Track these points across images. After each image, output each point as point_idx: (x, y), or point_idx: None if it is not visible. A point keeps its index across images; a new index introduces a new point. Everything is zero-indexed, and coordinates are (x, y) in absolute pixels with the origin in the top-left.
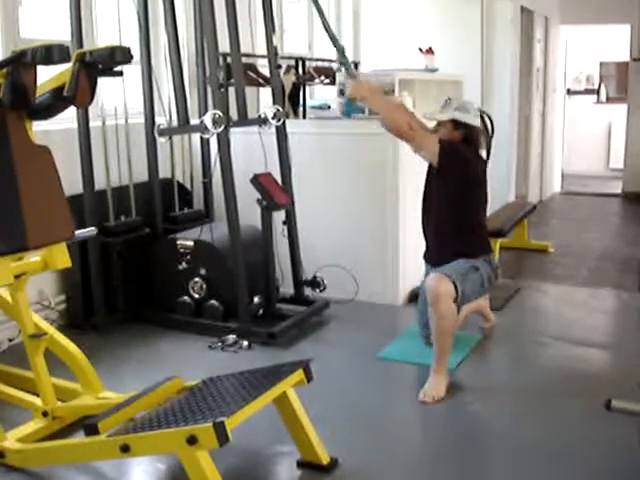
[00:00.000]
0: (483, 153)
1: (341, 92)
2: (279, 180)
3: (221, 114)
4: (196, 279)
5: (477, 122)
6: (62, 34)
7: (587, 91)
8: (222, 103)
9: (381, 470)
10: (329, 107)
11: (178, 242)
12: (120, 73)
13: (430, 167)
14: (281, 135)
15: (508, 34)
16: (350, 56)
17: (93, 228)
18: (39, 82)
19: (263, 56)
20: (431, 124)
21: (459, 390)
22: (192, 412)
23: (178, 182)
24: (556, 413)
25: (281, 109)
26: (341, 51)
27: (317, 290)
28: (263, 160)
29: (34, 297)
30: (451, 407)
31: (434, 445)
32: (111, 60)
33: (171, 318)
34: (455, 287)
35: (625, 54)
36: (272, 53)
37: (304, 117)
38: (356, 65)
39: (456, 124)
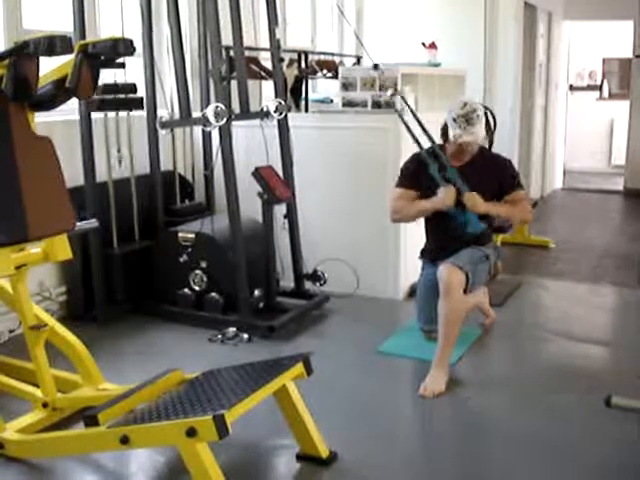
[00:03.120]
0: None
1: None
2: (281, 173)
3: (223, 107)
4: (197, 271)
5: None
6: (65, 25)
7: (590, 87)
8: (224, 96)
9: (380, 464)
10: (331, 101)
11: (179, 234)
12: (122, 65)
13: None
14: (283, 128)
15: (511, 29)
16: (353, 50)
17: (94, 220)
18: (41, 73)
19: (266, 49)
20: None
21: (459, 385)
22: (192, 404)
23: (179, 174)
24: (556, 408)
25: (283, 102)
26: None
27: (317, 284)
28: (265, 153)
29: (35, 288)
30: (451, 402)
31: (433, 439)
32: (113, 52)
33: (171, 310)
34: (467, 278)
35: (628, 50)
36: (275, 46)
37: (306, 111)
38: (358, 59)
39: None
